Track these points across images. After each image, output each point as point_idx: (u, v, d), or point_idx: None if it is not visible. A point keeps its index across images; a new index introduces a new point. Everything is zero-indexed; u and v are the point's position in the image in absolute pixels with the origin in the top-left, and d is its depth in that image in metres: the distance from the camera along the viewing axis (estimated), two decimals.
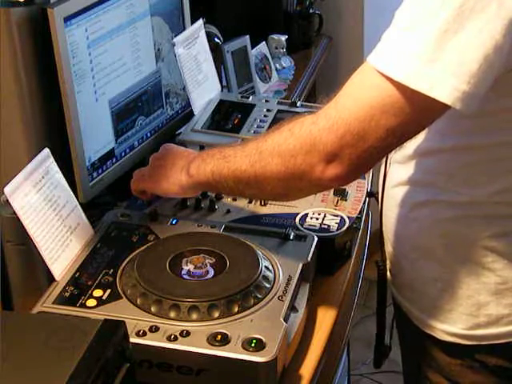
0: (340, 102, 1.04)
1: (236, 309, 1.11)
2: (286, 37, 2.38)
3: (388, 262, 1.33)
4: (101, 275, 1.17)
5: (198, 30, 1.72)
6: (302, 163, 1.05)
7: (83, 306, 1.11)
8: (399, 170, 1.25)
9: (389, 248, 1.32)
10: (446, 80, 0.97)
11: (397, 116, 1.00)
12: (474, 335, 1.23)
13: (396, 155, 1.25)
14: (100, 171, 1.46)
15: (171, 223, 1.31)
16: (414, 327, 1.28)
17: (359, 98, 1.02)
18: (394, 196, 1.26)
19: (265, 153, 1.10)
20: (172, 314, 1.09)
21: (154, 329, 1.07)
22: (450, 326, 1.24)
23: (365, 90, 1.02)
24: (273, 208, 1.38)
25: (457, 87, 0.97)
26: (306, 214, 1.36)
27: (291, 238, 1.27)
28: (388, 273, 1.34)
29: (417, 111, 1.00)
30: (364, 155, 1.03)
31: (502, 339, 1.22)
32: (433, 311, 1.25)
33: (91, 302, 1.12)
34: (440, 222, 1.20)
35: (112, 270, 1.18)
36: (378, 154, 1.05)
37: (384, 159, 1.27)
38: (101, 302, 1.12)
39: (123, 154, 1.53)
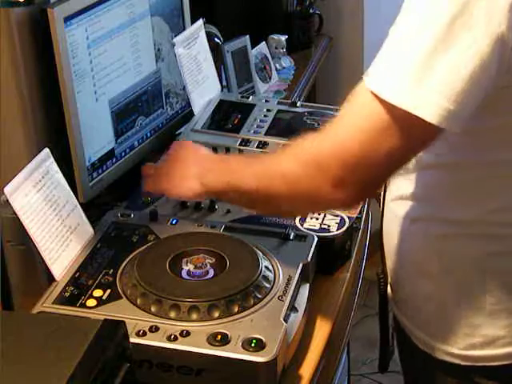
0: (340, 124, 1.04)
1: (236, 309, 1.11)
2: (286, 37, 2.38)
3: (388, 276, 1.32)
4: (101, 275, 1.17)
5: (197, 29, 1.72)
6: (308, 187, 1.06)
7: (83, 305, 1.11)
8: (398, 183, 1.24)
9: (388, 261, 1.30)
10: (431, 99, 0.96)
11: (393, 137, 0.99)
12: (470, 356, 1.21)
13: None
14: (100, 171, 1.46)
15: (171, 223, 1.31)
16: (412, 344, 1.27)
17: (357, 121, 1.02)
18: (392, 210, 1.25)
19: (270, 174, 1.12)
20: (172, 314, 1.09)
21: (154, 329, 1.07)
22: (446, 345, 1.22)
23: (362, 114, 1.02)
24: None
25: (442, 106, 0.96)
26: None
27: (291, 238, 1.27)
28: (389, 286, 1.34)
29: (407, 132, 0.99)
30: (368, 178, 1.03)
31: (498, 361, 1.20)
32: (429, 329, 1.24)
33: (91, 302, 1.12)
34: (434, 239, 1.19)
35: (112, 270, 1.18)
36: (382, 176, 1.06)
37: None
38: (101, 301, 1.12)
39: (123, 154, 1.53)
